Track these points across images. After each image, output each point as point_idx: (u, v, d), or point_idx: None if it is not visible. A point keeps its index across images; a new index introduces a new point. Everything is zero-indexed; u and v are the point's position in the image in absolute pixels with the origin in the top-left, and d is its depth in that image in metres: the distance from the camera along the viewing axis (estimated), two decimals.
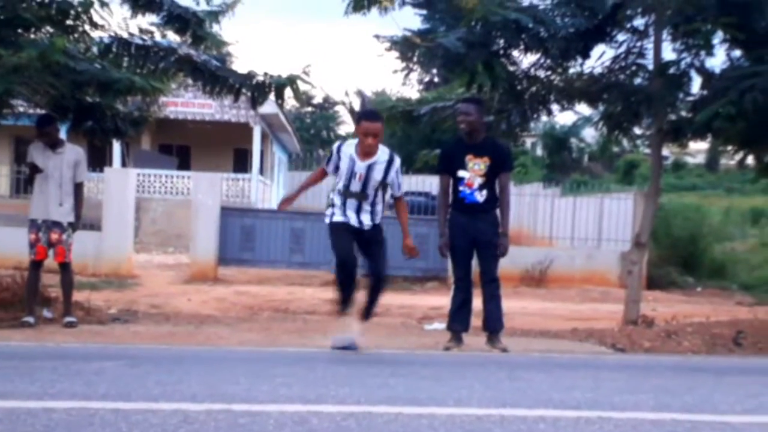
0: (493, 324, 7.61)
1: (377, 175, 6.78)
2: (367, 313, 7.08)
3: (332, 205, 6.94)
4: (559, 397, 4.79)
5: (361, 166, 6.74)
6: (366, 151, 6.72)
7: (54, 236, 8.44)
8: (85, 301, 9.78)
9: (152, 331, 8.60)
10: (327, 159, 7.05)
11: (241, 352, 7.18)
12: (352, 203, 6.84)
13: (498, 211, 7.68)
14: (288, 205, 7.28)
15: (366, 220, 6.88)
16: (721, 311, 12.97)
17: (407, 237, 7.21)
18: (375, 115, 7.02)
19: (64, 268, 8.56)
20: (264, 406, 4.12)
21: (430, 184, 26.51)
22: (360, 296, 7.01)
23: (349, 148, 6.82)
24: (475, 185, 7.51)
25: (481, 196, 7.53)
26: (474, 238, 7.53)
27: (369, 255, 6.96)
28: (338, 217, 6.86)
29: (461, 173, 7.54)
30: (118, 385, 4.65)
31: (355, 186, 6.79)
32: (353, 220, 6.85)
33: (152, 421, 3.72)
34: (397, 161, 6.89)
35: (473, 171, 7.51)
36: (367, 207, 6.88)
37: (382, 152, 6.82)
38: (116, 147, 27.15)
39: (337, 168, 6.87)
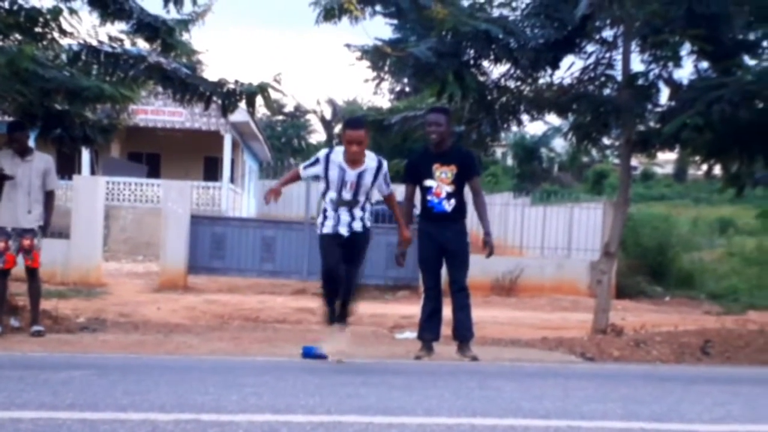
0: (463, 333, 7.63)
1: (367, 182, 6.88)
2: (341, 317, 7.15)
3: (324, 215, 7.00)
4: (529, 406, 4.81)
5: (351, 175, 6.82)
6: (353, 159, 6.78)
7: (26, 242, 8.37)
8: (53, 310, 9.70)
9: (121, 340, 8.54)
10: (309, 163, 7.05)
11: (211, 361, 7.15)
12: (344, 211, 6.91)
13: (465, 221, 7.76)
14: (274, 195, 7.13)
15: (357, 226, 6.96)
16: (689, 320, 13.08)
17: (404, 228, 7.37)
18: (359, 122, 7.08)
19: (32, 275, 8.48)
20: (233, 416, 4.11)
21: (401, 192, 26.59)
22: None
23: (338, 156, 6.85)
24: (443, 194, 7.54)
25: (449, 206, 7.56)
26: (442, 247, 7.57)
27: (348, 260, 6.98)
28: (328, 229, 6.95)
29: (428, 182, 7.58)
30: (86, 395, 4.61)
31: (347, 195, 6.87)
32: (344, 229, 6.92)
33: (120, 431, 3.70)
34: (385, 166, 6.99)
35: (440, 180, 7.53)
36: (358, 213, 6.96)
37: (370, 159, 6.89)
38: (85, 155, 26.98)
39: (322, 176, 6.93)
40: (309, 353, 7.27)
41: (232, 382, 5.46)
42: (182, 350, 7.86)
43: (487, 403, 4.90)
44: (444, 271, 7.69)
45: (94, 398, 4.50)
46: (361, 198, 6.93)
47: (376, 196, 7.24)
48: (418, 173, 7.68)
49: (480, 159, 7.97)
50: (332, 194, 6.90)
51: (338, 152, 6.88)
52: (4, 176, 8.39)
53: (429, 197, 7.59)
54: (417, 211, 8.01)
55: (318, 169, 6.93)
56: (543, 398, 5.18)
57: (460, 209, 7.65)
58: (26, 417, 3.90)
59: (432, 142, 7.65)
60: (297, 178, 7.23)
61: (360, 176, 6.82)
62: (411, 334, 9.90)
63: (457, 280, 7.62)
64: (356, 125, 6.90)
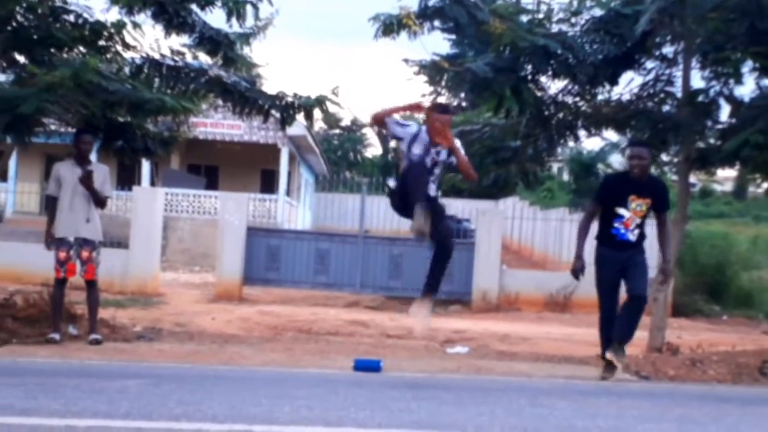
0: (622, 334, 7.60)
1: (444, 159, 6.90)
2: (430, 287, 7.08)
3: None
4: (582, 425, 4.77)
5: (433, 151, 6.84)
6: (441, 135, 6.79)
7: (85, 254, 8.50)
8: (111, 319, 9.85)
9: (176, 349, 8.63)
10: (403, 123, 7.04)
11: (264, 372, 7.19)
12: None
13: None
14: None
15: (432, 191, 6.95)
16: (747, 340, 12.84)
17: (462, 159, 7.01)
18: (448, 108, 7.20)
19: (91, 285, 8.62)
20: (284, 428, 4.13)
21: (456, 207, 26.51)
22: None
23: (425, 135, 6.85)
24: (632, 225, 7.56)
25: (633, 236, 7.60)
26: (623, 266, 7.61)
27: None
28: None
29: (621, 211, 7.56)
30: (140, 404, 4.67)
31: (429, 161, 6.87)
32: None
33: None
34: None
35: (634, 212, 7.55)
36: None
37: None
38: (145, 166, 27.36)
39: (408, 139, 6.91)
40: (361, 366, 7.28)
41: (284, 393, 5.49)
42: (236, 361, 7.93)
43: (539, 421, 4.86)
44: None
45: (149, 408, 4.56)
46: (437, 171, 6.93)
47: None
48: (613, 197, 7.64)
49: (668, 189, 8.01)
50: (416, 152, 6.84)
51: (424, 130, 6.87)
52: (53, 201, 8.57)
53: (617, 224, 7.59)
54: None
55: (409, 131, 6.91)
56: (596, 417, 5.13)
57: (642, 238, 7.71)
58: (81, 425, 3.97)
59: (634, 176, 7.55)
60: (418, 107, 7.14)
61: (439, 153, 6.83)
62: (462, 349, 9.89)
63: (636, 286, 7.56)
64: (446, 110, 7.02)
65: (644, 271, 7.63)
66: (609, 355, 7.52)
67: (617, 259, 7.59)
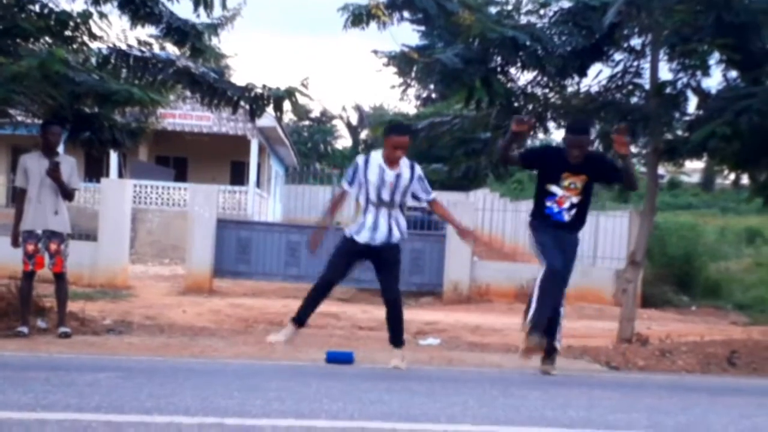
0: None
1: (404, 183, 6.92)
2: (397, 338, 7.22)
3: (363, 221, 7.01)
4: (553, 415, 4.80)
5: (391, 175, 6.90)
6: (392, 160, 6.88)
7: (53, 246, 8.43)
8: (80, 312, 9.77)
9: (146, 342, 8.58)
10: (350, 174, 7.06)
11: (236, 365, 7.17)
12: (384, 216, 6.94)
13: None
14: (319, 240, 7.13)
15: (395, 238, 6.99)
16: (716, 330, 12.98)
17: (458, 225, 7.38)
18: (405, 129, 7.25)
19: (60, 278, 8.54)
20: (257, 421, 4.13)
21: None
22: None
23: (377, 158, 6.96)
24: (566, 204, 7.17)
25: (568, 216, 7.20)
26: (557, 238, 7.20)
27: (385, 274, 7.05)
28: (362, 239, 6.99)
29: (552, 188, 7.17)
30: (111, 397, 4.64)
31: (386, 195, 6.91)
32: (380, 239, 6.95)
33: None
34: (418, 169, 7.04)
35: (567, 189, 7.12)
36: (397, 221, 7.01)
37: (404, 163, 6.97)
38: (113, 158, 27.18)
39: (363, 179, 6.95)
40: (333, 358, 7.29)
41: (256, 386, 5.48)
42: (207, 353, 7.90)
43: (511, 412, 4.89)
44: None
45: (120, 401, 4.54)
46: (398, 198, 6.95)
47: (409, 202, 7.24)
48: (544, 172, 7.26)
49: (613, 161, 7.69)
50: (372, 196, 6.92)
51: (376, 155, 6.99)
52: (22, 192, 8.49)
53: (549, 203, 7.19)
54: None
55: (360, 174, 6.95)
56: (567, 407, 5.16)
57: (579, 223, 7.32)
58: (52, 418, 3.94)
59: (574, 161, 7.08)
60: (344, 195, 7.17)
61: (398, 177, 6.89)
62: (434, 341, 9.92)
63: (564, 264, 7.24)
64: (403, 131, 7.07)
65: (573, 255, 7.39)
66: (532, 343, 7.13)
67: (552, 232, 7.19)
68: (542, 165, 7.34)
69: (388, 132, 7.05)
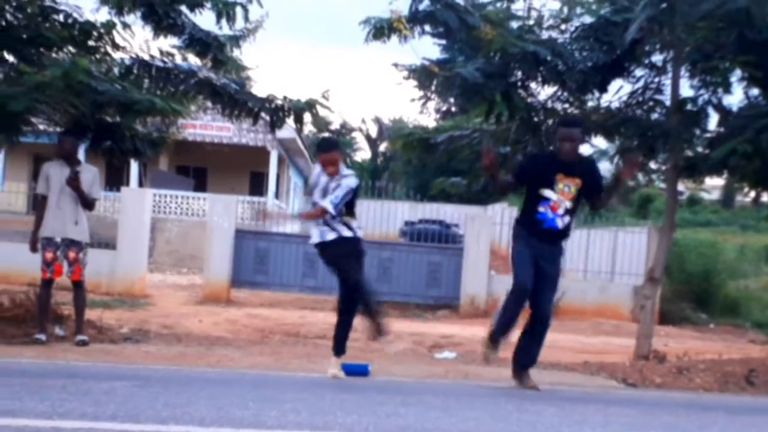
0: (529, 361, 7.35)
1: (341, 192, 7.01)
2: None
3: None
4: None
5: (332, 183, 7.06)
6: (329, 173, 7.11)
7: (72, 254, 8.48)
8: (98, 320, 9.81)
9: (163, 351, 8.61)
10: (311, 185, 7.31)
11: (251, 375, 7.18)
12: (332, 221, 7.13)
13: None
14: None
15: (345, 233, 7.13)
16: (734, 349, 12.89)
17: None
18: (331, 145, 7.31)
19: (78, 286, 8.58)
20: None
21: (445, 212, 26.50)
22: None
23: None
24: (561, 209, 6.83)
25: (562, 223, 6.86)
26: (537, 260, 6.89)
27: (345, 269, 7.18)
28: (314, 239, 7.25)
29: (546, 193, 6.82)
30: (127, 406, 4.65)
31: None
32: (331, 235, 7.12)
33: None
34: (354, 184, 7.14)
35: (562, 193, 6.80)
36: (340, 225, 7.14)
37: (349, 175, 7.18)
38: (134, 167, 27.34)
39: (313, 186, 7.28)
40: (349, 370, 7.28)
41: (271, 397, 5.49)
42: (223, 363, 7.91)
43: (526, 427, 4.87)
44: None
45: (135, 410, 4.54)
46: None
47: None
48: (537, 178, 6.89)
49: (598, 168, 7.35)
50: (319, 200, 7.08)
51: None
52: (43, 198, 8.54)
53: (542, 209, 6.83)
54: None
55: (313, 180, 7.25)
56: (583, 424, 5.13)
57: (569, 230, 7.00)
58: (67, 427, 3.95)
59: (565, 158, 6.83)
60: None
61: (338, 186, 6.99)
62: (450, 354, 9.89)
63: (542, 305, 7.03)
64: (326, 148, 7.19)
65: (554, 285, 7.08)
66: (516, 382, 7.17)
67: (535, 247, 6.86)
68: (536, 173, 6.95)
69: (317, 149, 7.28)
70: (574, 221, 7.17)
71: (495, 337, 7.03)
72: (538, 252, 6.89)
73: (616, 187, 7.29)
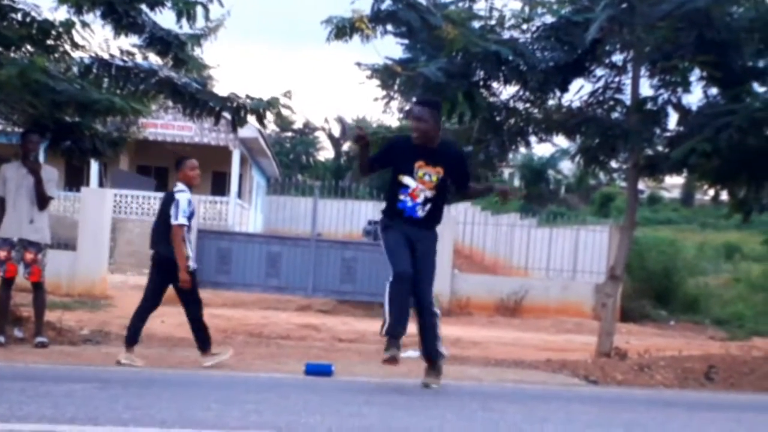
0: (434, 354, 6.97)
1: None
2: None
3: None
4: (531, 429, 4.80)
5: None
6: None
7: (29, 256, 8.38)
8: (57, 321, 9.70)
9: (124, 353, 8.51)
10: None
11: (214, 376, 7.13)
12: None
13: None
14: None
15: None
16: (694, 345, 13.03)
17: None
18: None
19: (38, 287, 8.49)
20: None
21: None
22: None
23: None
24: (420, 198, 6.55)
25: (422, 212, 6.57)
26: (411, 246, 6.59)
27: None
28: None
29: (406, 180, 6.54)
30: (87, 409, 4.60)
31: None
32: None
33: None
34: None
35: (422, 181, 6.51)
36: None
37: None
38: (94, 167, 27.04)
39: None
40: (312, 370, 7.26)
41: (234, 398, 5.45)
42: (185, 364, 7.86)
43: (489, 426, 4.88)
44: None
45: (95, 412, 4.50)
46: None
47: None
48: (397, 163, 6.64)
49: (465, 158, 7.21)
50: None
51: None
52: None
53: (402, 197, 6.56)
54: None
55: None
56: (545, 421, 5.16)
57: (435, 219, 6.72)
58: (26, 429, 3.90)
59: (416, 142, 6.55)
60: None
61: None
62: (414, 353, 9.87)
63: (423, 297, 6.78)
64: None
65: (431, 274, 6.78)
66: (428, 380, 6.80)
67: (404, 231, 6.56)
68: (393, 155, 6.71)
69: None
70: (443, 208, 6.83)
71: (391, 332, 6.58)
72: (411, 236, 6.58)
73: (485, 187, 7.26)
